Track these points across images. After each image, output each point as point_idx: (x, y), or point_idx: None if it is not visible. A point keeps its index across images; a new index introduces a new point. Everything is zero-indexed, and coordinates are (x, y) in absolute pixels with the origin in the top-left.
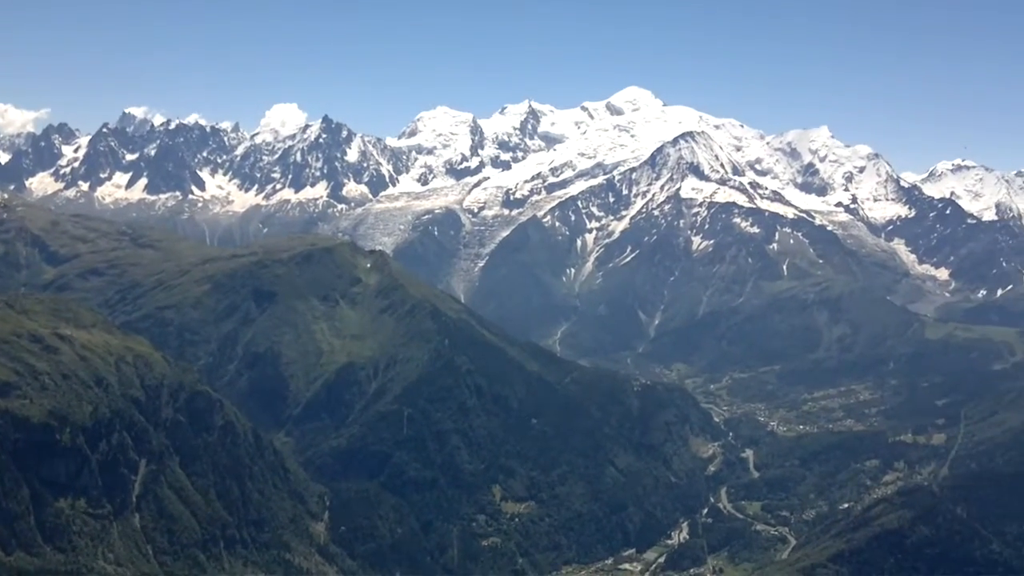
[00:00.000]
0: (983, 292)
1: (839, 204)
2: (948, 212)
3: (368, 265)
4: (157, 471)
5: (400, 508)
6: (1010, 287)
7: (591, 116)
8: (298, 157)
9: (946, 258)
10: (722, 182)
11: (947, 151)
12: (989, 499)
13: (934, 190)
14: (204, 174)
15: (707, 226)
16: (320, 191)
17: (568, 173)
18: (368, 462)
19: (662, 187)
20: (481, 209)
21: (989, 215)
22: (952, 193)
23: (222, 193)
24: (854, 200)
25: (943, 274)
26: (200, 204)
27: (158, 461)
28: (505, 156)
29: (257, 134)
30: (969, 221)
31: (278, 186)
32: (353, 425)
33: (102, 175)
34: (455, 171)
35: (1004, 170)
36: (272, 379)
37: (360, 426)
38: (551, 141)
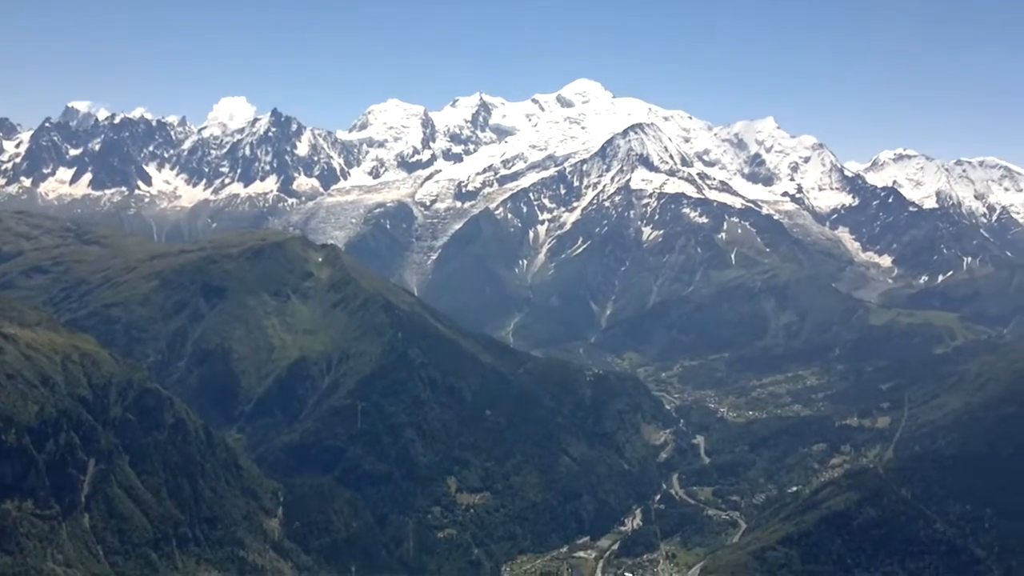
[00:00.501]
0: (924, 278)
1: (785, 194)
2: (890, 201)
3: (320, 259)
4: (106, 470)
5: (355, 502)
6: (950, 273)
7: (542, 108)
8: (247, 151)
9: (889, 245)
10: (671, 173)
11: (889, 141)
12: (932, 480)
13: (877, 179)
14: (151, 169)
15: (657, 217)
16: (270, 185)
17: (520, 165)
18: (322, 457)
19: (612, 178)
20: (433, 202)
21: (930, 203)
22: (894, 182)
23: (169, 188)
24: (799, 189)
25: (886, 261)
26: (147, 199)
27: (107, 460)
28: (457, 149)
29: (205, 128)
30: (911, 209)
31: (227, 180)
32: (306, 420)
33: (45, 170)
34: (407, 164)
35: (944, 159)
36: (223, 375)
37: (313, 421)
38: (502, 133)
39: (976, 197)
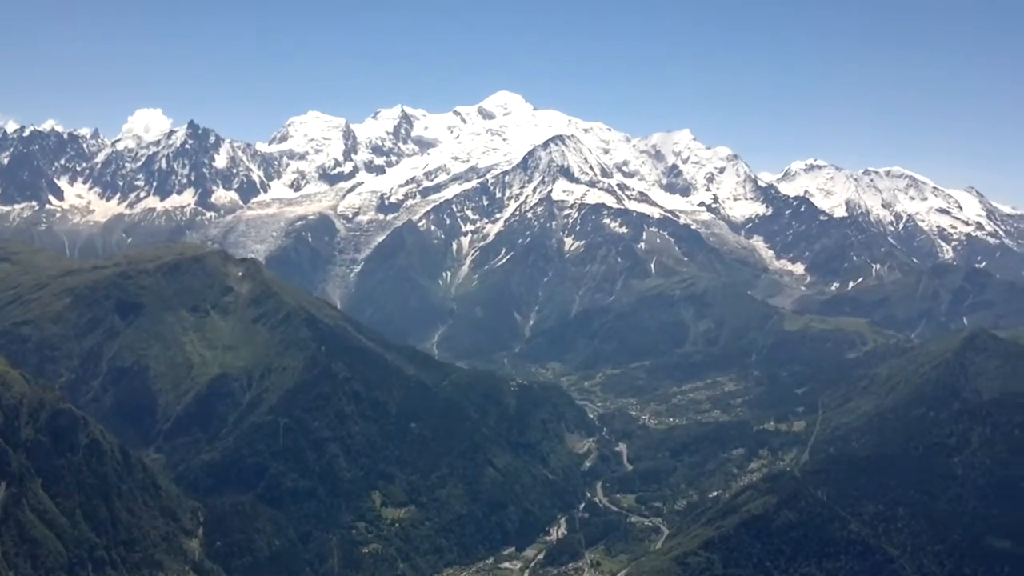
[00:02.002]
0: (836, 285)
1: (701, 204)
2: (802, 210)
3: (240, 273)
4: (18, 494)
5: (277, 520)
6: (860, 280)
7: (464, 120)
8: (163, 164)
9: (801, 253)
10: (591, 184)
11: (800, 151)
12: (847, 481)
13: (789, 189)
14: (62, 183)
15: (578, 227)
16: (187, 199)
17: (442, 177)
18: (243, 475)
19: (534, 189)
20: (356, 214)
21: (840, 212)
22: (806, 191)
23: (82, 202)
24: (715, 200)
25: (799, 269)
26: (59, 214)
27: (19, 484)
28: (379, 161)
29: (119, 140)
30: (822, 218)
31: (142, 194)
32: (227, 438)
33: None
34: (328, 176)
35: (853, 169)
36: (140, 394)
37: (234, 438)
38: (425, 145)
39: (883, 206)
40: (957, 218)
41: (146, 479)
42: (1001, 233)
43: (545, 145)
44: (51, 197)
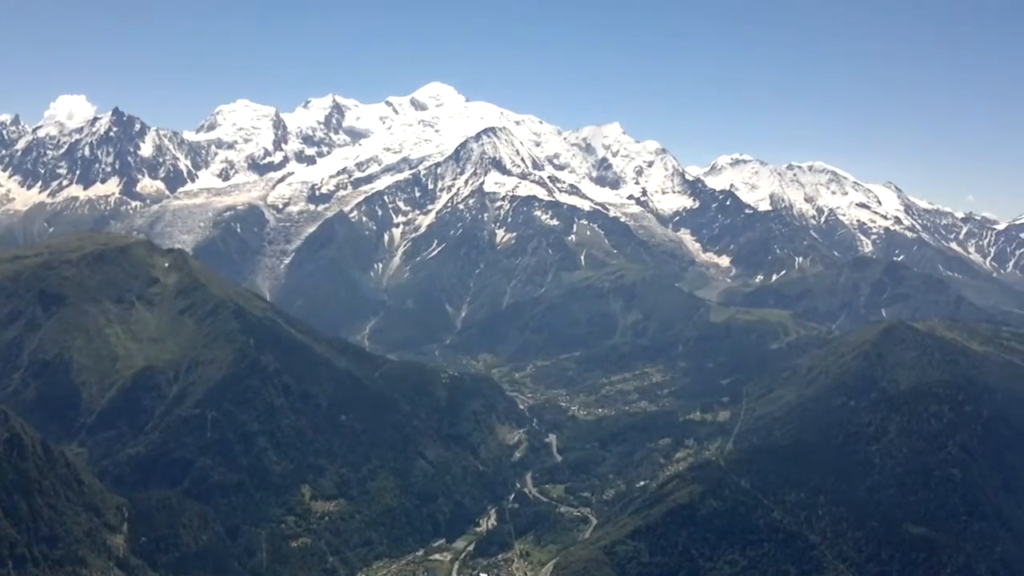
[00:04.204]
0: (760, 277)
1: (631, 197)
2: (728, 203)
3: (166, 264)
4: None
5: (204, 515)
6: (784, 272)
7: (396, 111)
8: (87, 152)
9: (727, 246)
10: (523, 176)
11: (726, 146)
12: (769, 470)
13: (715, 183)
14: None
15: (510, 219)
16: (112, 187)
17: (374, 168)
18: (170, 469)
19: (466, 181)
20: (286, 205)
21: (764, 206)
22: (731, 185)
23: (1, 191)
24: (644, 193)
25: (724, 261)
26: None
27: None
28: (310, 151)
29: (40, 127)
30: (747, 211)
31: (65, 182)
32: (153, 432)
33: None
34: (258, 166)
35: (777, 163)
36: (62, 387)
37: (160, 432)
38: (356, 136)
39: (806, 200)
40: (876, 212)
41: (69, 474)
42: (918, 227)
43: (477, 137)
44: None
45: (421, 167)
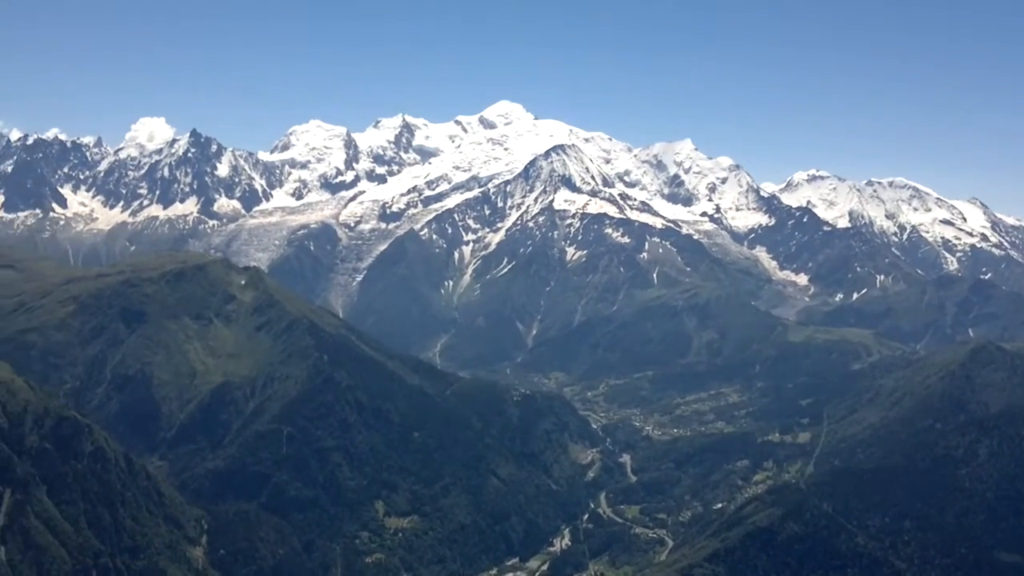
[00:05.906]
0: (840, 296)
1: (704, 214)
2: (805, 220)
3: (242, 282)
4: (23, 501)
5: (281, 529)
6: (864, 291)
7: (465, 130)
8: (166, 172)
9: (805, 264)
10: (593, 194)
11: (803, 162)
12: (852, 494)
13: (791, 199)
14: (66, 191)
15: (580, 237)
16: (190, 207)
17: (444, 186)
18: (247, 483)
19: (536, 199)
20: (358, 223)
21: (843, 222)
22: (808, 202)
23: (85, 210)
24: (718, 210)
25: (802, 279)
26: (62, 222)
27: (23, 491)
28: (380, 170)
29: (122, 149)
30: (825, 228)
31: (145, 202)
32: (230, 446)
33: None
34: (330, 185)
35: (856, 179)
36: (144, 401)
37: (238, 447)
38: (426, 154)
39: (887, 216)
40: (961, 229)
41: (150, 486)
42: (1006, 244)
43: (546, 155)
44: (55, 205)
45: (490, 185)
